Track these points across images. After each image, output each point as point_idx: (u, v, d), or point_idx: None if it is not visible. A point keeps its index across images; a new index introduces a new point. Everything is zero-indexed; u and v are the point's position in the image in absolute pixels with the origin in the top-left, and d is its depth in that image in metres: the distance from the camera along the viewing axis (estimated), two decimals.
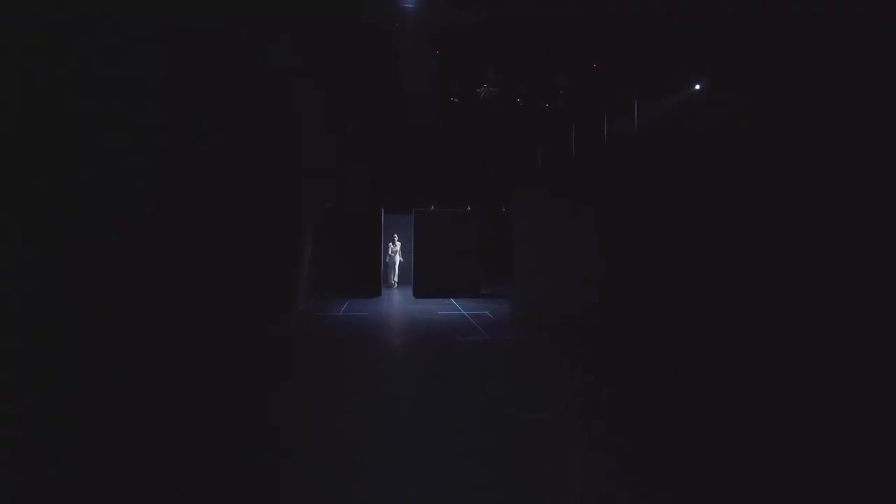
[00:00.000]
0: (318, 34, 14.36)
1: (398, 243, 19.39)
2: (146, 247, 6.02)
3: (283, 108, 12.35)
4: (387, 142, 18.87)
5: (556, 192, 10.53)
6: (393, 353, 9.06)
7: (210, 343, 7.63)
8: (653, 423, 5.40)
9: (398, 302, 15.98)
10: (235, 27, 8.75)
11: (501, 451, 4.89)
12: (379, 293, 17.09)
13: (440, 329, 11.36)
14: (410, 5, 14.26)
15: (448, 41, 15.96)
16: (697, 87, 7.54)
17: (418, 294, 16.92)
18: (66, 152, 5.04)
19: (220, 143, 8.28)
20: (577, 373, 7.78)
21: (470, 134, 18.63)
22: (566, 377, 7.64)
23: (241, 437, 5.29)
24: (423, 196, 19.33)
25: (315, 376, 7.57)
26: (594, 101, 11.03)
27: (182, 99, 7.02)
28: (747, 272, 4.93)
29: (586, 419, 5.65)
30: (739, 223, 5.10)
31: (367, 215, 17.17)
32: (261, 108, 10.57)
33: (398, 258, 19.52)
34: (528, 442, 5.09)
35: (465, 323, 12.27)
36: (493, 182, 18.30)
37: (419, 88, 17.26)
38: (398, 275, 19.66)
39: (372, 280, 17.04)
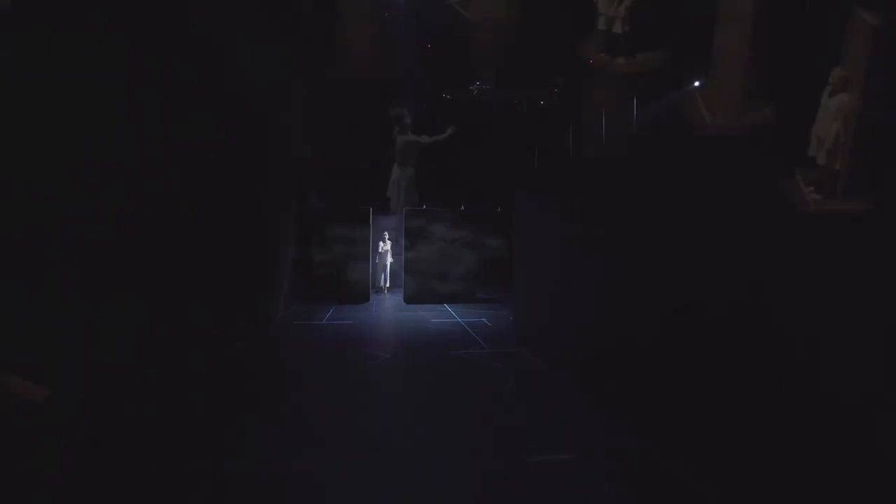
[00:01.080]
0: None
1: (388, 242, 19.34)
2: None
3: (264, 103, 12.39)
4: (376, 138, 18.90)
5: (557, 192, 10.61)
6: (379, 373, 8.99)
7: (174, 354, 7.60)
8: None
9: (388, 308, 16.00)
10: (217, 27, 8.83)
11: None
12: (367, 298, 17.09)
13: (434, 340, 11.38)
14: None
15: (440, 35, 16.06)
16: (697, 83, 7.70)
17: (409, 299, 16.97)
18: (42, 155, 5.19)
19: (196, 143, 8.33)
20: (585, 391, 7.82)
21: (464, 131, 18.74)
22: (575, 400, 7.68)
23: None
24: (415, 194, 19.36)
25: (281, 408, 7.13)
26: (593, 98, 11.23)
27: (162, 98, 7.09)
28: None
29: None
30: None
31: (355, 215, 17.19)
32: (243, 104, 10.61)
33: (389, 259, 19.48)
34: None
35: (461, 332, 12.30)
36: (487, 181, 18.40)
37: (410, 83, 17.40)
38: (389, 278, 19.63)
39: (360, 284, 17.06)
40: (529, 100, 17.16)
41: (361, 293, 16.95)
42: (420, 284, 17.05)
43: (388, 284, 19.42)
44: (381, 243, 19.28)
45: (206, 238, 8.67)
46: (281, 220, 14.36)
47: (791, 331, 4.09)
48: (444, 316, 14.56)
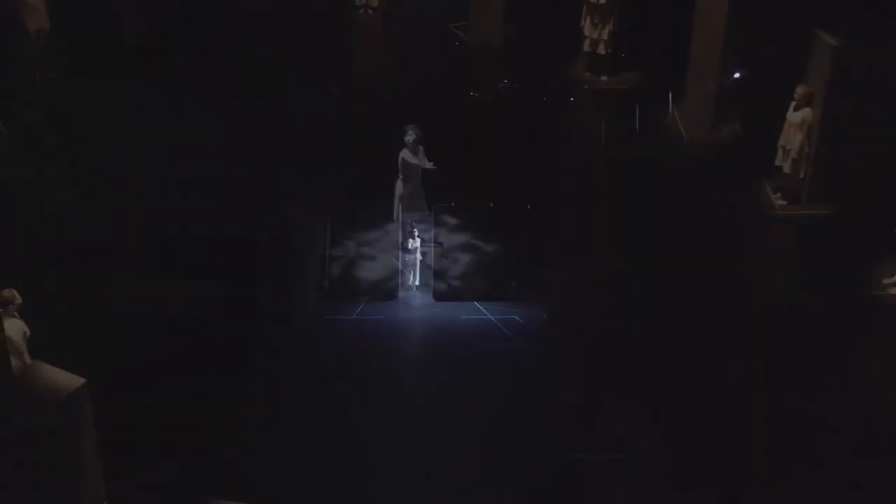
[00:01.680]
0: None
1: (418, 239, 19.83)
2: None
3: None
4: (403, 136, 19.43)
5: (583, 189, 11.24)
6: (412, 367, 9.42)
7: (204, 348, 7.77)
8: None
9: (417, 305, 16.53)
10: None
11: None
12: (396, 296, 17.69)
13: (465, 336, 11.86)
14: None
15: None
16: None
17: (439, 297, 17.53)
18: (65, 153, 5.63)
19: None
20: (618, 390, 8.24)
21: (492, 128, 19.22)
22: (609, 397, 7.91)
23: None
24: (445, 191, 19.83)
25: (305, 404, 7.60)
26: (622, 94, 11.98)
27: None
28: None
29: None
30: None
31: (383, 212, 17.83)
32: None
33: (418, 256, 19.98)
34: None
35: (492, 329, 12.77)
36: (518, 178, 18.81)
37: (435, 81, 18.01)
38: (418, 276, 20.18)
39: (389, 281, 17.69)
40: (558, 96, 17.62)
41: (390, 290, 17.49)
42: (449, 282, 17.54)
43: (417, 282, 19.91)
44: (409, 240, 19.80)
45: (226, 234, 9.07)
46: (308, 217, 15.03)
47: (759, 318, 4.69)
48: (474, 313, 14.99)
